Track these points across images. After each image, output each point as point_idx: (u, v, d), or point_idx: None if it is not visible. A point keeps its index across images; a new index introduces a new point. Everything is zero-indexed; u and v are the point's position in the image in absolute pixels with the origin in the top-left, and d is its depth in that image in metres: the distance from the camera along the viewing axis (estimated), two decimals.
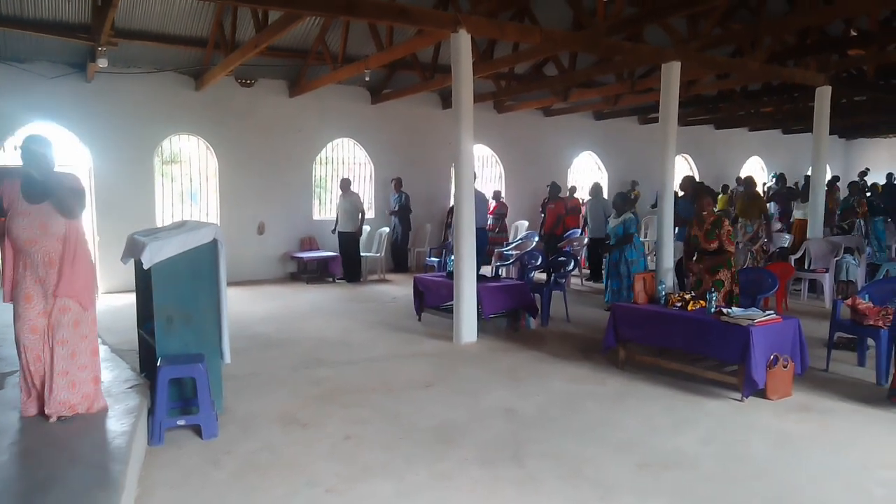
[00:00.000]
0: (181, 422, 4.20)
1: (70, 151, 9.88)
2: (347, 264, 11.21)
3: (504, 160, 14.20)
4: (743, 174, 15.67)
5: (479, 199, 9.76)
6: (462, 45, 6.65)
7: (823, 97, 10.12)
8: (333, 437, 4.25)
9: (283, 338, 7.14)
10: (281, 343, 6.90)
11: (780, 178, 14.13)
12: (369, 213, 12.38)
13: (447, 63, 7.28)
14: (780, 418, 4.54)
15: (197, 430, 4.19)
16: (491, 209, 12.60)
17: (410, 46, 8.57)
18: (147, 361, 4.89)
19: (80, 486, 3.06)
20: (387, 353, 6.52)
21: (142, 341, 5.04)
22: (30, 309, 3.81)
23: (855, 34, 9.79)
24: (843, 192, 14.36)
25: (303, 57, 10.51)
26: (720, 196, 13.84)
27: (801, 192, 11.64)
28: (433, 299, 7.64)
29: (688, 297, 5.62)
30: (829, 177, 12.64)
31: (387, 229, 11.80)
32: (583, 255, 11.19)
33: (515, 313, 7.44)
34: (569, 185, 13.77)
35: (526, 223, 13.46)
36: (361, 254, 11.40)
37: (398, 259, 12.46)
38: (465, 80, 6.69)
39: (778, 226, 12.07)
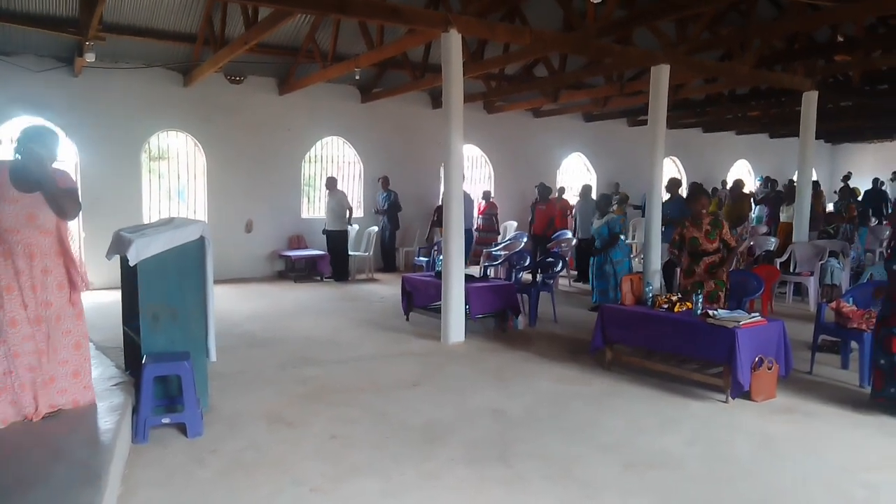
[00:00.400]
0: (166, 420, 4.16)
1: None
2: (335, 263, 11.18)
3: (493, 160, 14.23)
4: (730, 177, 15.81)
5: (466, 199, 9.77)
6: (452, 45, 6.65)
7: (810, 102, 10.22)
8: (320, 436, 4.23)
9: (270, 336, 7.11)
10: (268, 341, 6.87)
11: (768, 182, 14.26)
12: (358, 212, 12.37)
13: (437, 63, 7.28)
14: (764, 420, 4.58)
15: (182, 429, 4.15)
16: (481, 209, 12.63)
17: (401, 46, 8.57)
18: (132, 359, 4.85)
19: (61, 484, 3.02)
20: (374, 352, 6.51)
21: (127, 339, 5.00)
22: (9, 301, 3.69)
23: (841, 40, 9.90)
24: (829, 197, 14.54)
25: (293, 55, 10.47)
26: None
27: (788, 196, 11.74)
28: (421, 299, 7.64)
29: (674, 298, 5.65)
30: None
31: (375, 228, 11.78)
32: (571, 255, 11.23)
33: (503, 314, 7.46)
34: (556, 187, 13.82)
35: (515, 223, 13.50)
36: (350, 253, 11.38)
37: (387, 258, 12.45)
38: (455, 79, 6.70)
39: (764, 229, 12.20)
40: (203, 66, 9.58)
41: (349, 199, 11.38)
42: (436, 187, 12.76)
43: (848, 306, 5.66)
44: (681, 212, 8.20)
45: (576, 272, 11.24)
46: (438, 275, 7.17)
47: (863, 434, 4.35)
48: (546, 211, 11.11)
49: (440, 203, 7.92)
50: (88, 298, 8.85)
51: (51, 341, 3.82)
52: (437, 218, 11.14)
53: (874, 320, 5.05)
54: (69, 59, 9.49)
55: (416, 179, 12.90)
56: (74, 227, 9.88)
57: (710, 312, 5.15)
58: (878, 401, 4.74)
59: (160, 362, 4.13)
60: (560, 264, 8.61)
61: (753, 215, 13.50)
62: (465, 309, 6.91)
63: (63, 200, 3.76)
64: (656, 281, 8.18)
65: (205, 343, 4.51)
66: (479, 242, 12.14)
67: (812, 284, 8.82)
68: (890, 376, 4.64)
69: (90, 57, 8.32)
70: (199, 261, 4.44)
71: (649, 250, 8.39)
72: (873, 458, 3.96)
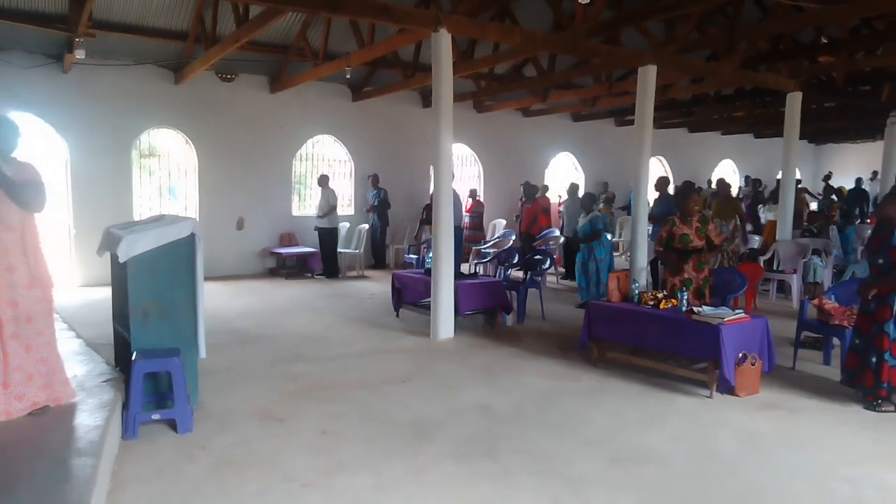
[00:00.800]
0: (156, 416, 4.18)
1: (46, 143, 9.74)
2: (326, 260, 11.21)
3: (483, 159, 14.29)
4: (714, 177, 15.95)
5: (454, 198, 9.79)
6: (443, 45, 6.69)
7: (794, 102, 10.34)
8: (310, 431, 4.27)
9: (260, 333, 7.13)
10: (258, 338, 6.89)
11: (748, 181, 14.38)
12: (349, 209, 12.42)
13: (428, 62, 7.32)
14: (748, 415, 4.66)
15: (172, 425, 4.18)
16: (468, 207, 12.67)
17: (392, 44, 8.60)
18: (122, 355, 4.85)
19: (47, 482, 2.99)
20: (364, 348, 6.55)
21: (117, 335, 5.00)
22: None
23: (825, 41, 10.02)
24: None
25: (284, 53, 10.46)
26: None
27: (771, 196, 11.88)
28: (411, 296, 7.69)
29: (660, 295, 5.72)
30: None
31: (366, 226, 11.82)
32: (558, 253, 11.31)
33: (492, 311, 7.52)
34: (541, 185, 13.88)
35: (503, 222, 13.57)
36: (340, 250, 11.40)
37: (377, 255, 12.48)
38: (445, 79, 6.74)
39: (748, 227, 12.31)
40: (194, 64, 9.56)
41: (337, 195, 11.40)
42: (426, 185, 12.80)
43: (830, 303, 5.77)
44: (669, 210, 8.27)
45: (563, 270, 11.32)
46: (428, 272, 7.22)
47: (845, 430, 4.43)
48: (532, 209, 11.18)
49: (429, 201, 7.96)
50: (79, 295, 8.89)
51: (23, 340, 3.71)
52: (427, 216, 11.17)
53: (856, 317, 5.13)
54: (59, 56, 9.43)
55: (407, 177, 12.95)
56: (64, 224, 9.90)
57: (695, 309, 5.23)
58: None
59: (150, 359, 4.14)
60: (548, 262, 8.69)
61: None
62: (455, 306, 6.95)
63: (24, 193, 3.61)
64: (643, 278, 8.27)
65: (195, 340, 4.52)
66: (467, 240, 12.18)
67: (795, 282, 8.95)
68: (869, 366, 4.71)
69: (80, 54, 8.29)
70: (190, 258, 4.45)
71: (636, 248, 8.48)
72: (856, 454, 4.04)
